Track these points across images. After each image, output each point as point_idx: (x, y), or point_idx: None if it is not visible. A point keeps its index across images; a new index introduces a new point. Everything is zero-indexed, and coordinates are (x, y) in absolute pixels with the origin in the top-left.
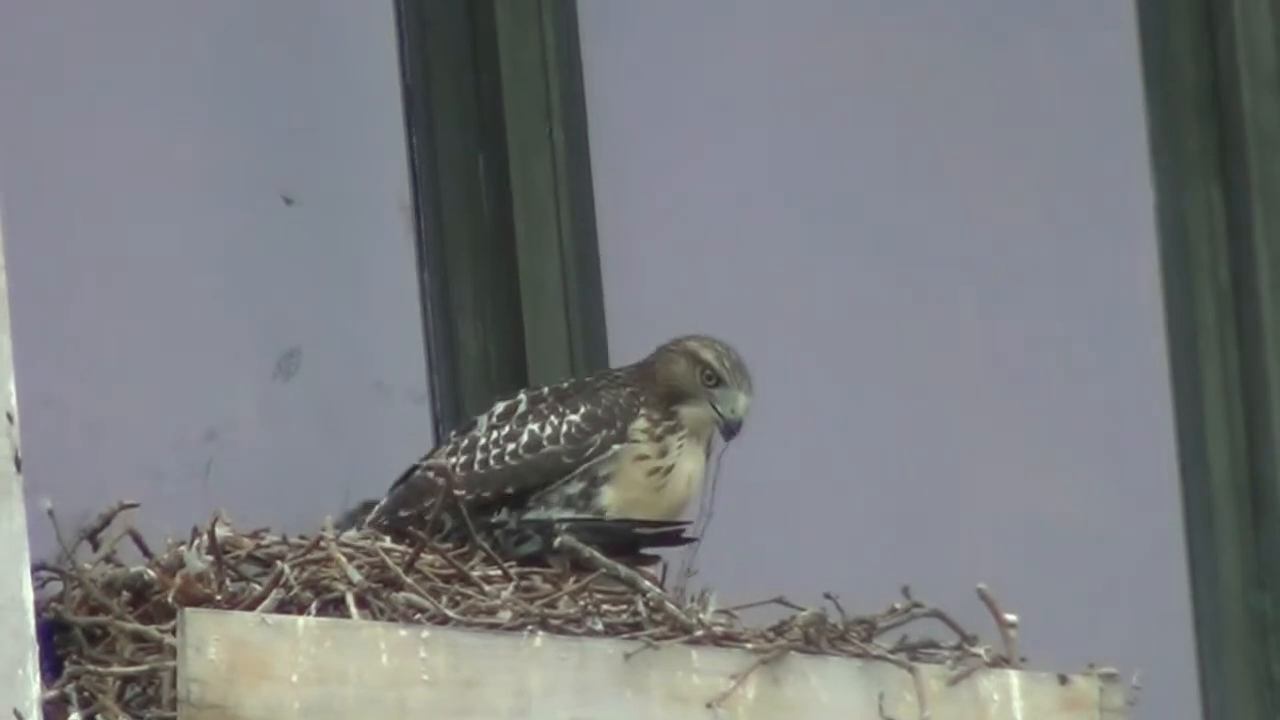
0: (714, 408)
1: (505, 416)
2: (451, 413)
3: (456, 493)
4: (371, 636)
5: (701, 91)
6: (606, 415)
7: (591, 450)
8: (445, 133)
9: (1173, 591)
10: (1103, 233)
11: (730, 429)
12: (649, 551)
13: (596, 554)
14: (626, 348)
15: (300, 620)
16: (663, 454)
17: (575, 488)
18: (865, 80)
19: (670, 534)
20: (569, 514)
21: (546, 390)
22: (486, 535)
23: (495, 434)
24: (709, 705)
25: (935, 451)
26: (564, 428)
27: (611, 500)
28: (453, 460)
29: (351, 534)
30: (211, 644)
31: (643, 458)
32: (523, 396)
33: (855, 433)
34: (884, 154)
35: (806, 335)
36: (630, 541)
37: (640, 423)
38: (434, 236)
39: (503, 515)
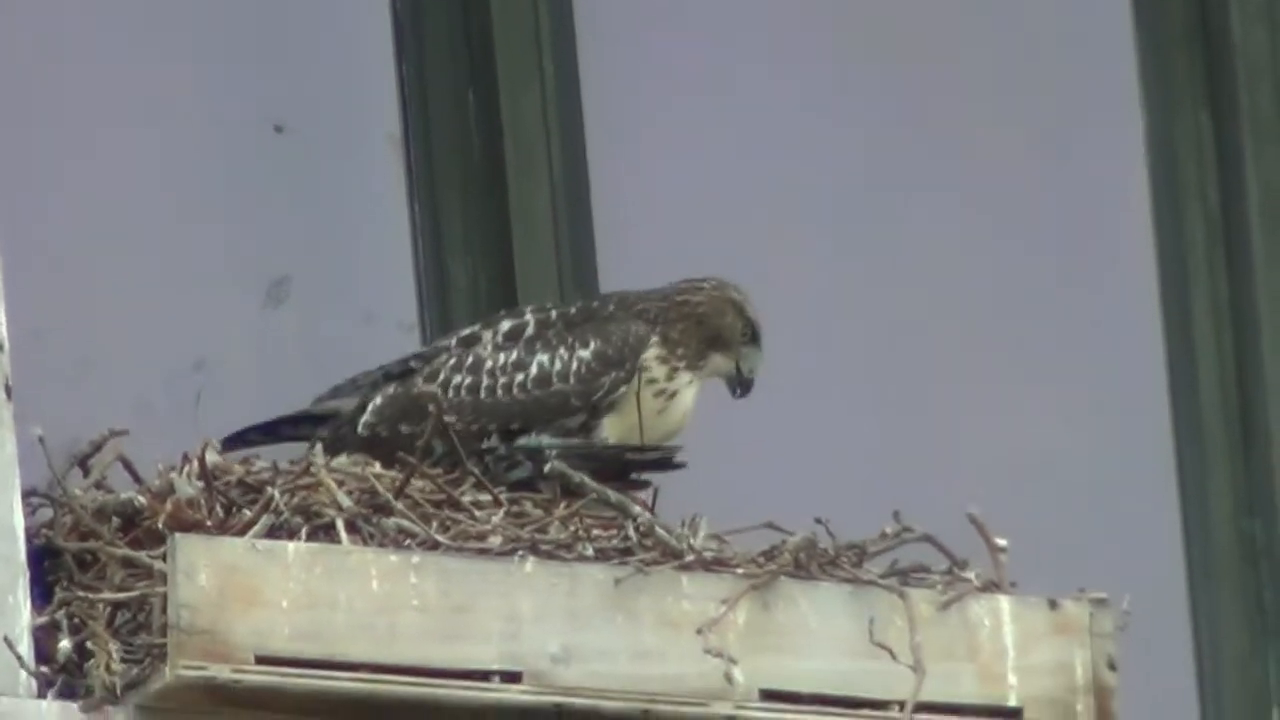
0: (738, 363)
1: (512, 338)
2: None
3: (447, 419)
4: (362, 562)
5: (692, 24)
6: (616, 355)
7: (600, 394)
8: (435, 65)
9: (1163, 517)
10: (1093, 161)
11: (746, 386)
12: (639, 477)
13: (587, 480)
14: (616, 280)
15: (290, 546)
16: (670, 378)
17: (575, 420)
18: (858, 16)
19: (660, 460)
20: (559, 440)
21: (554, 314)
22: (477, 461)
23: (502, 357)
24: (699, 630)
25: (927, 377)
26: (574, 364)
27: (610, 431)
28: (456, 378)
29: (342, 460)
30: (202, 570)
31: (652, 381)
32: (529, 318)
33: (847, 359)
34: (875, 86)
35: (797, 267)
36: (620, 467)
37: (653, 351)
38: (424, 168)
39: (493, 441)
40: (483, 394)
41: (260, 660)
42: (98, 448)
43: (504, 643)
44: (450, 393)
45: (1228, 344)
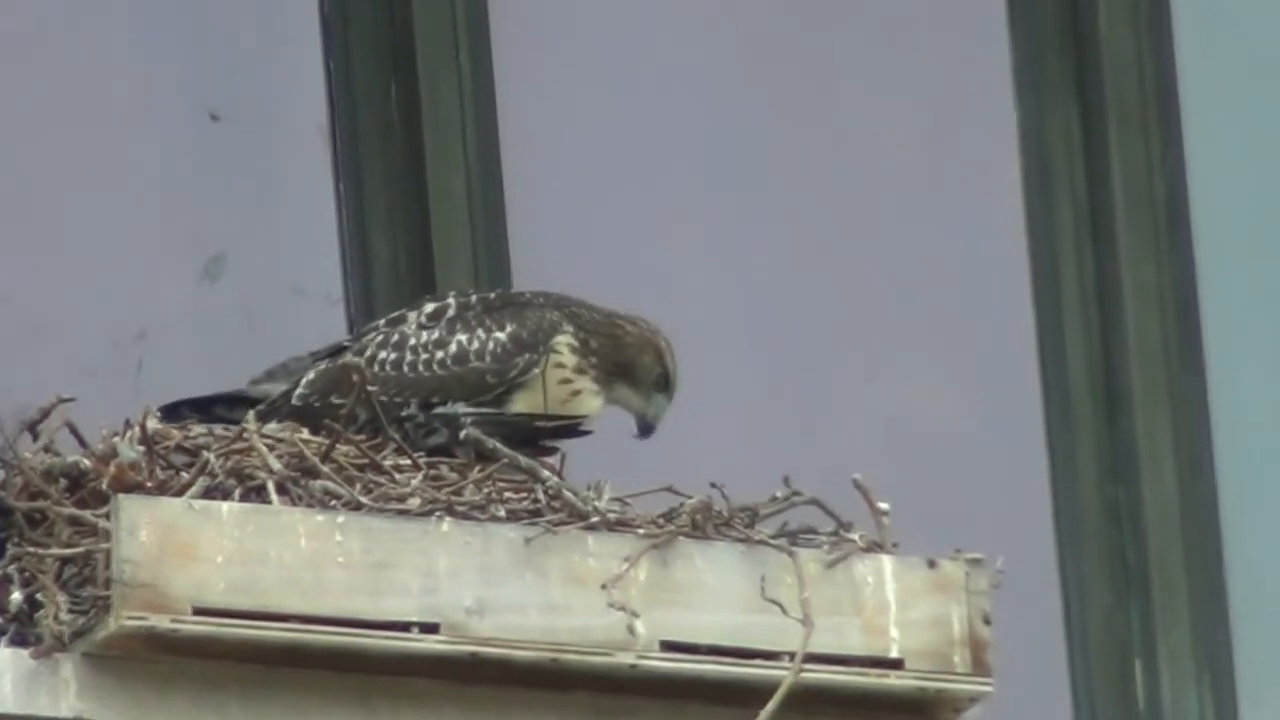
0: (646, 407)
1: (435, 318)
2: (364, 316)
3: (370, 389)
4: (290, 521)
5: (600, 18)
6: (530, 338)
7: (514, 373)
8: (359, 58)
9: (1034, 482)
10: (969, 150)
11: (648, 430)
12: (548, 444)
13: (499, 446)
14: (527, 259)
15: (225, 506)
16: (578, 372)
17: (490, 396)
18: (755, 10)
19: (567, 427)
20: (474, 409)
21: (475, 298)
22: (397, 428)
23: (425, 335)
24: (603, 586)
25: (814, 352)
26: (490, 345)
27: (520, 408)
28: (381, 354)
29: (273, 426)
30: (143, 527)
31: (560, 366)
32: (451, 301)
33: (741, 335)
34: (767, 81)
35: (695, 249)
36: (530, 434)
37: (564, 339)
38: (349, 154)
39: (412, 409)
40: (405, 369)
41: (197, 611)
42: (46, 414)
43: (423, 596)
44: (375, 367)
45: (1094, 322)
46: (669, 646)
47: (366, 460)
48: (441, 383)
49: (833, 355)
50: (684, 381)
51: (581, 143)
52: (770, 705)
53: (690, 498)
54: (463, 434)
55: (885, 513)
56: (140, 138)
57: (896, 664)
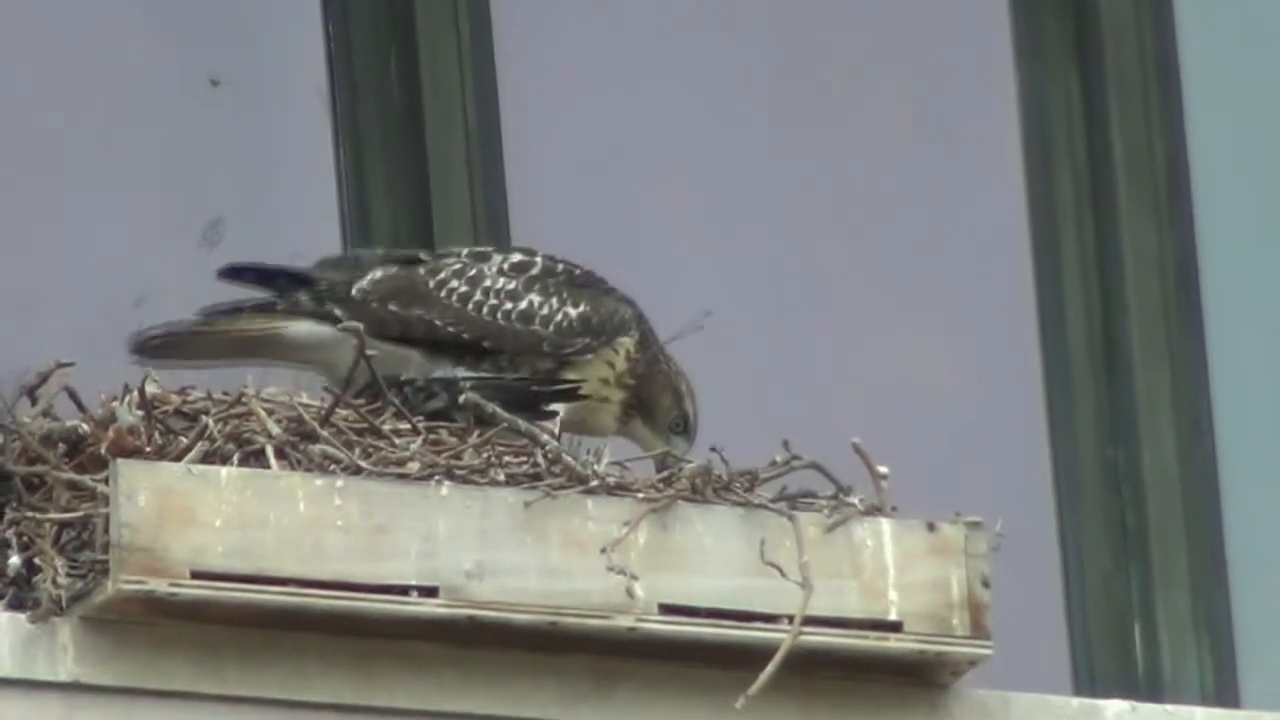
0: (668, 448)
1: (518, 270)
2: None
3: (369, 354)
4: (289, 485)
5: None
6: (599, 325)
7: (570, 350)
8: (359, 23)
9: (1033, 446)
10: (969, 116)
11: (664, 468)
12: (547, 407)
13: (499, 410)
14: (527, 223)
15: (223, 470)
16: (618, 383)
17: (544, 365)
18: None
19: (566, 391)
20: (473, 372)
21: (561, 267)
22: (396, 392)
23: (502, 282)
24: (602, 550)
25: (815, 317)
26: (559, 316)
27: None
28: (453, 282)
29: (271, 390)
30: (141, 492)
31: (611, 365)
32: (539, 260)
33: (740, 299)
34: (766, 45)
35: (694, 213)
36: (529, 398)
37: (629, 340)
38: (348, 119)
39: (411, 373)
40: (470, 306)
41: (195, 575)
42: (44, 378)
43: (421, 560)
44: (443, 293)
45: (1094, 286)
46: (668, 610)
47: (365, 424)
48: (499, 332)
49: (832, 320)
50: (682, 345)
51: (580, 108)
52: (769, 668)
53: (690, 461)
54: (462, 398)
55: (884, 476)
56: (139, 103)
57: (895, 627)
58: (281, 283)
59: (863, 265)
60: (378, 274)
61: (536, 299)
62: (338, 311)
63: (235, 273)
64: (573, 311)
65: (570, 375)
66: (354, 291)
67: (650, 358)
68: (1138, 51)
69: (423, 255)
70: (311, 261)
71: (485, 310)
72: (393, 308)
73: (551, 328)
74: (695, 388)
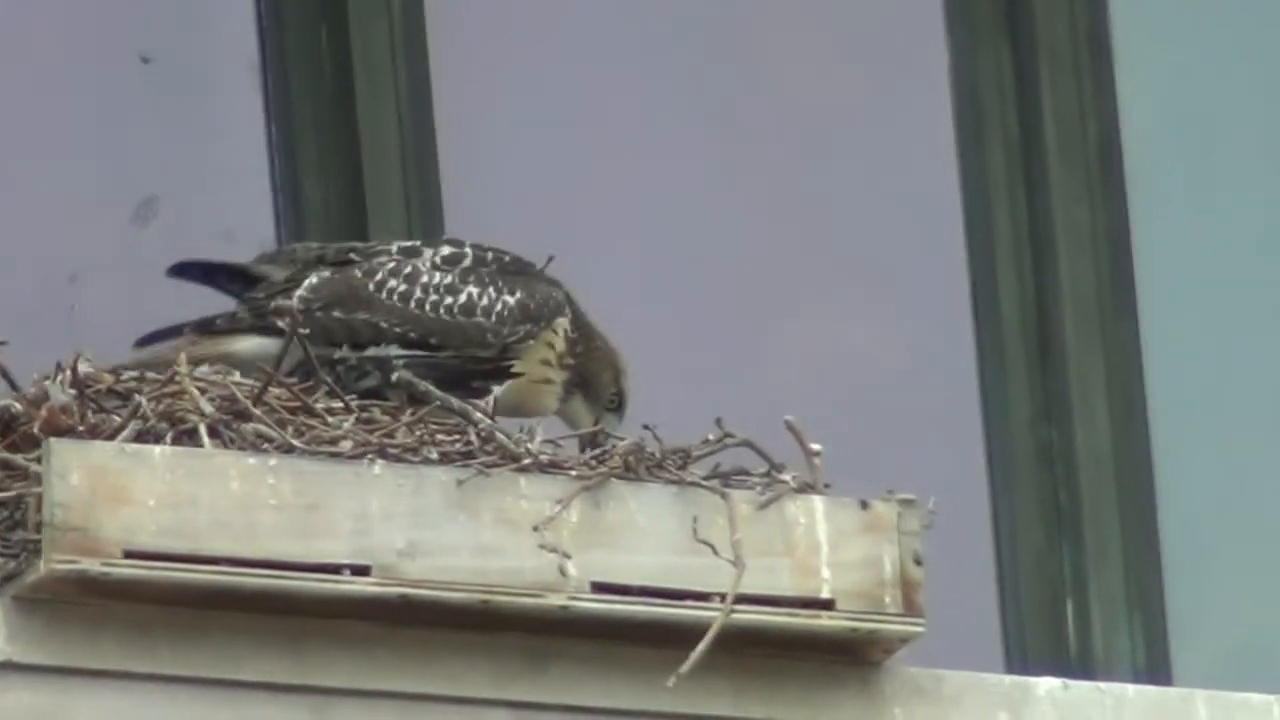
0: (599, 424)
1: (450, 263)
2: None
3: (301, 332)
4: (222, 464)
5: None
6: (536, 311)
7: (514, 339)
8: (291, 1)
9: (966, 423)
10: (900, 91)
11: (596, 445)
12: (480, 385)
13: (431, 388)
14: (460, 202)
15: (156, 449)
16: (559, 363)
17: (487, 353)
18: None
19: (498, 369)
20: (405, 350)
21: (490, 255)
22: (329, 371)
23: (438, 277)
24: (535, 528)
25: (746, 294)
26: (499, 305)
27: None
28: (391, 282)
29: (204, 369)
30: (74, 471)
31: (551, 346)
32: (468, 251)
33: (672, 277)
34: (697, 24)
35: (628, 192)
36: (462, 376)
37: (564, 321)
38: (280, 96)
39: (344, 352)
40: (412, 304)
41: (128, 555)
42: None
43: (354, 539)
44: (384, 294)
45: (1026, 262)
46: (600, 588)
47: (298, 403)
48: (444, 328)
49: (765, 297)
50: (615, 323)
51: (513, 86)
52: (701, 646)
53: (622, 439)
54: (395, 376)
55: (817, 454)
56: (71, 81)
57: (828, 605)
58: (223, 280)
59: (795, 242)
60: (314, 280)
61: (474, 290)
62: (286, 302)
63: (182, 269)
64: (510, 299)
65: (516, 365)
66: (295, 300)
67: (586, 335)
68: (1069, 24)
69: (354, 255)
70: (242, 241)
71: (428, 307)
72: (337, 314)
73: (493, 318)
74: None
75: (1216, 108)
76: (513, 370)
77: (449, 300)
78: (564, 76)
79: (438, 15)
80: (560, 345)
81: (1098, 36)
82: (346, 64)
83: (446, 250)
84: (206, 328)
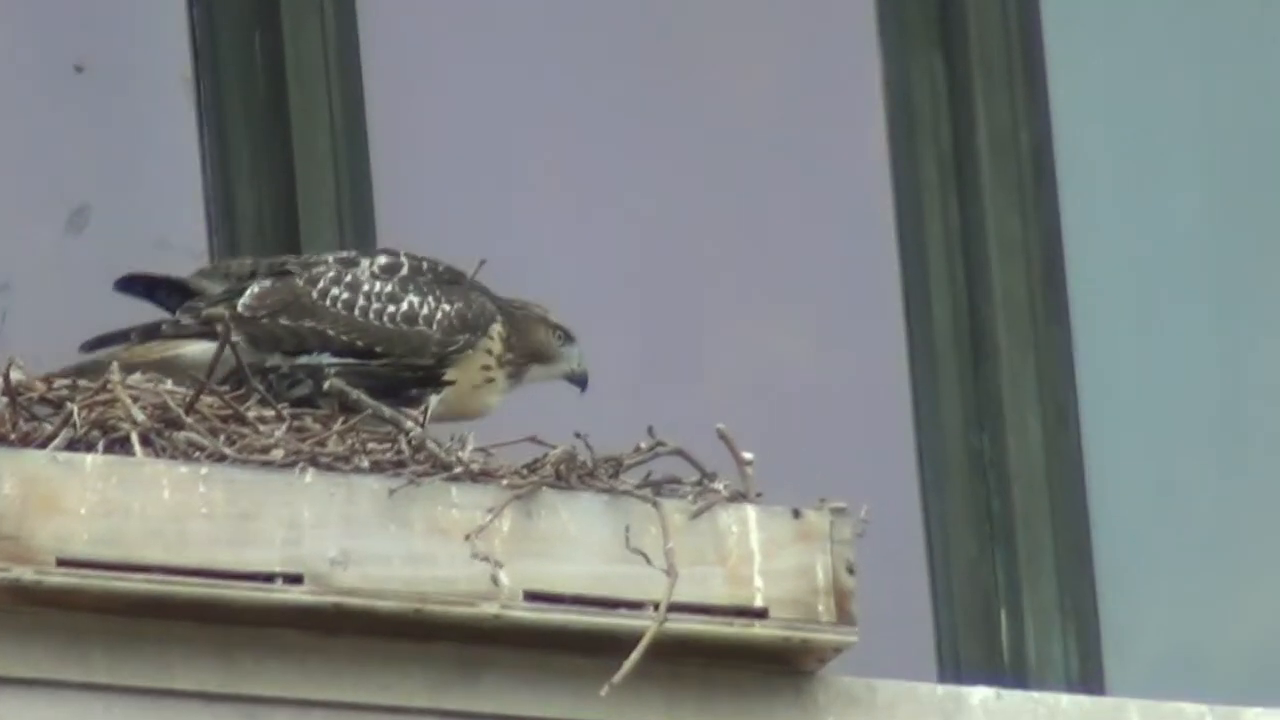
0: (565, 365)
1: (388, 271)
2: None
3: (233, 340)
4: (154, 473)
5: None
6: (474, 319)
7: (454, 348)
8: (223, 10)
9: (898, 431)
10: (833, 99)
11: (583, 381)
12: (412, 394)
13: (363, 396)
14: (392, 212)
15: (89, 458)
16: (498, 365)
17: (425, 362)
18: None
19: (429, 377)
20: (337, 359)
21: (425, 264)
22: (261, 379)
23: (379, 285)
24: (467, 537)
25: (678, 302)
26: (439, 314)
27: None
28: (334, 290)
29: (136, 377)
30: (6, 479)
31: (489, 351)
32: (404, 260)
33: (604, 287)
34: (631, 32)
35: (561, 201)
36: (394, 385)
37: (497, 329)
38: (213, 105)
39: (276, 360)
40: (356, 312)
41: (61, 563)
42: None
43: (286, 548)
44: (328, 302)
45: (959, 272)
46: (533, 597)
47: (230, 411)
48: (389, 336)
49: (697, 305)
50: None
51: (446, 94)
52: (634, 655)
53: (554, 448)
54: (326, 385)
55: (749, 462)
56: (4, 89)
57: (761, 613)
58: (162, 295)
59: (727, 249)
60: (256, 288)
61: (415, 299)
62: (219, 309)
63: (127, 284)
64: (449, 309)
65: (451, 373)
66: (240, 309)
67: (511, 320)
68: (1002, 34)
69: (290, 267)
70: (176, 250)
71: (372, 315)
72: (284, 321)
73: (435, 327)
74: (545, 302)
75: (1148, 116)
76: (444, 379)
77: (391, 308)
78: (497, 86)
79: (370, 25)
80: (497, 349)
81: (1030, 46)
82: (279, 73)
83: (383, 259)
84: (152, 333)
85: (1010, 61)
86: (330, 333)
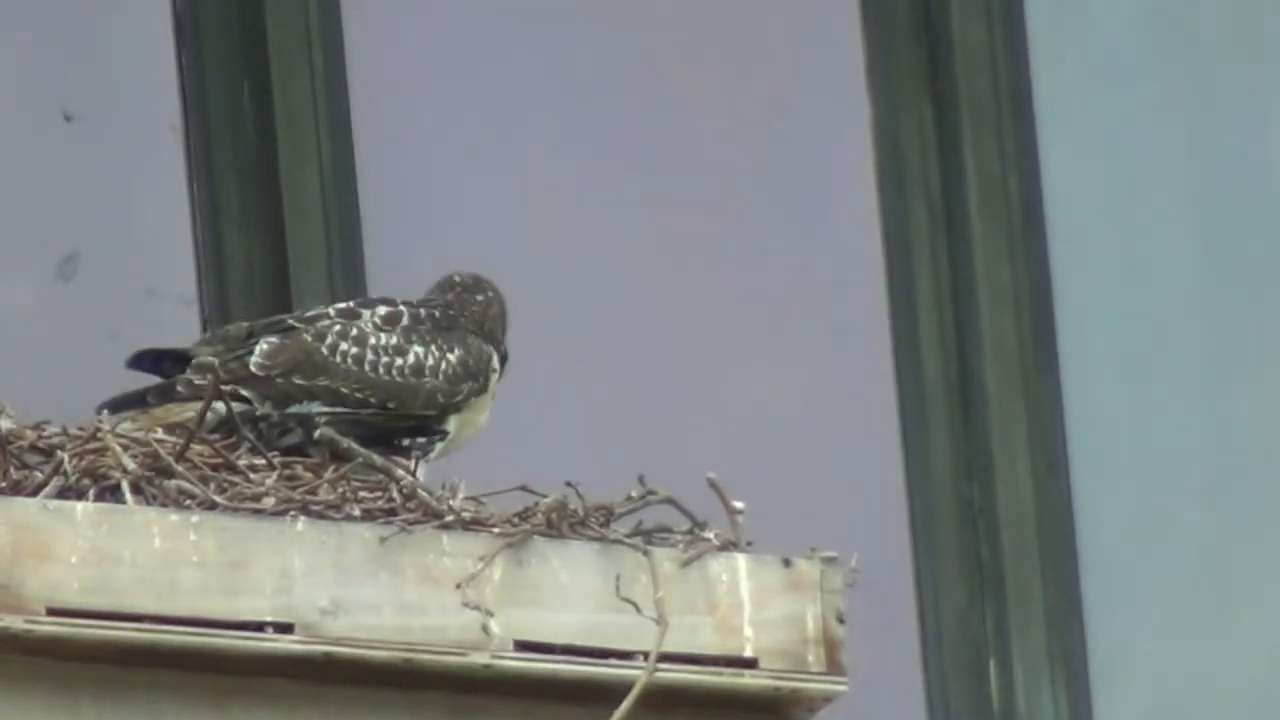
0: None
1: (389, 322)
2: (218, 316)
3: (223, 388)
4: (145, 521)
5: (454, 15)
6: (475, 366)
7: (459, 398)
8: (212, 57)
9: (889, 481)
10: (822, 146)
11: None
12: (402, 443)
13: (354, 445)
14: (381, 260)
15: (79, 505)
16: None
17: (434, 412)
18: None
19: (421, 426)
20: (328, 407)
21: (423, 312)
22: (251, 427)
23: (383, 338)
24: (458, 585)
25: (669, 350)
26: (443, 365)
27: (452, 427)
28: (342, 345)
29: (126, 426)
30: None
31: (492, 395)
32: (403, 309)
33: (595, 334)
34: (619, 77)
35: (550, 248)
36: (385, 433)
37: (494, 362)
38: (202, 154)
39: (266, 408)
40: (366, 367)
41: (51, 612)
42: None
43: (277, 596)
44: (338, 358)
45: (948, 321)
46: (523, 646)
47: (221, 459)
48: (399, 390)
49: (687, 354)
50: (538, 381)
51: (435, 140)
52: (625, 705)
53: (545, 496)
54: (317, 433)
55: (740, 511)
56: None
57: (751, 663)
58: (167, 366)
59: (717, 298)
60: (265, 345)
61: (419, 350)
62: (241, 391)
63: (138, 361)
64: (452, 357)
65: (454, 420)
66: (253, 368)
67: (481, 312)
68: (992, 80)
69: (291, 320)
70: (165, 298)
71: (381, 369)
72: (298, 380)
73: (441, 377)
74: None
75: (1138, 164)
76: (436, 429)
77: (399, 361)
78: (487, 133)
79: (359, 73)
80: (495, 388)
81: (1019, 94)
82: (268, 122)
83: (383, 310)
84: (167, 394)
85: (999, 109)
86: (344, 390)
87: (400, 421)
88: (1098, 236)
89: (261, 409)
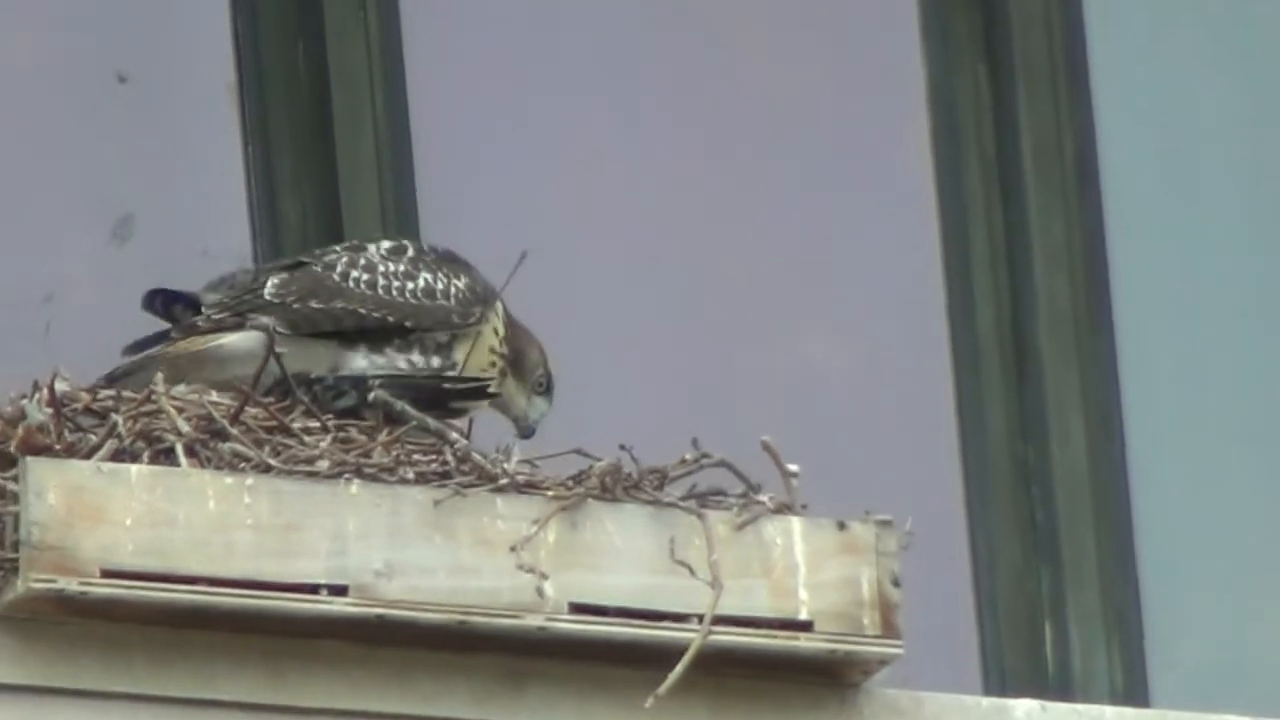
0: (527, 408)
1: (395, 253)
2: None
3: (278, 351)
4: (199, 484)
5: None
6: (483, 293)
7: (472, 319)
8: (267, 18)
9: (943, 443)
10: (877, 109)
11: (529, 432)
12: (456, 405)
13: (408, 408)
14: (436, 218)
15: (133, 468)
16: (500, 349)
17: (445, 337)
18: None
19: (475, 389)
20: (381, 371)
21: (426, 247)
22: (305, 390)
23: (392, 266)
24: (512, 548)
25: (723, 313)
26: (453, 288)
27: (459, 356)
28: (353, 273)
29: (181, 388)
30: (51, 490)
31: (495, 332)
32: (408, 244)
33: (649, 297)
34: (674, 40)
35: (604, 211)
36: (438, 396)
37: (500, 305)
38: (257, 114)
39: (321, 372)
40: (380, 290)
41: (105, 574)
42: None
43: (331, 559)
44: (350, 284)
45: (1003, 281)
46: (578, 609)
47: (275, 422)
48: (416, 310)
49: (741, 316)
50: (592, 342)
51: (489, 102)
52: (679, 667)
53: (599, 460)
54: (371, 396)
55: (794, 474)
56: (47, 99)
57: (806, 626)
58: (178, 309)
59: (771, 260)
60: (275, 279)
61: (428, 275)
62: (262, 319)
63: (150, 299)
64: (459, 283)
65: (461, 350)
66: (268, 295)
67: (513, 326)
68: (1046, 41)
69: (302, 258)
70: (220, 259)
71: (395, 291)
72: (315, 305)
73: (452, 300)
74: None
75: (1192, 124)
76: (488, 391)
77: (410, 285)
78: (540, 92)
79: (414, 33)
80: (502, 329)
81: (1074, 54)
82: (323, 82)
83: (387, 244)
84: (190, 331)
85: (1054, 69)
86: (362, 311)
87: (450, 384)
88: (1152, 197)
89: (316, 372)
